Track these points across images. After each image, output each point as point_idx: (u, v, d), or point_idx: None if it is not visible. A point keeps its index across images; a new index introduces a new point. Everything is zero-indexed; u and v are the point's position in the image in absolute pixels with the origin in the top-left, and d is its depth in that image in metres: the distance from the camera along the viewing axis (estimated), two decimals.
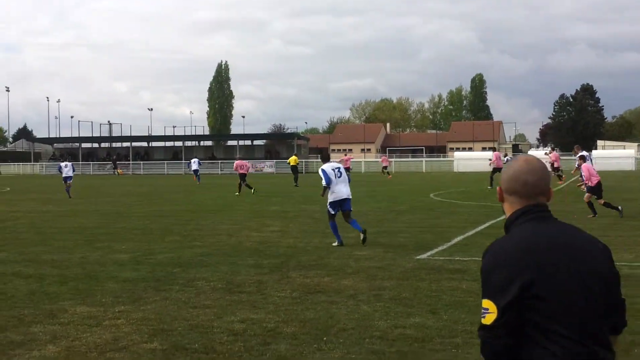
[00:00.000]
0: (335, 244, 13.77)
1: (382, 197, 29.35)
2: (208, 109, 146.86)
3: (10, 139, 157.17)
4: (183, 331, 7.35)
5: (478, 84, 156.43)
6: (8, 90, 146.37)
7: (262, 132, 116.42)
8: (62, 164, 33.48)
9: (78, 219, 20.43)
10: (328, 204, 14.14)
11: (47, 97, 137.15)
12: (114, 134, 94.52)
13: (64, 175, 32.33)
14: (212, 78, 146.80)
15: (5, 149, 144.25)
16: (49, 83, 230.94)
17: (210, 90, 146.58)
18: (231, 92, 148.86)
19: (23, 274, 10.90)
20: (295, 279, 10.23)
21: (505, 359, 2.69)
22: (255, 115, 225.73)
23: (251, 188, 31.33)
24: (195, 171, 46.20)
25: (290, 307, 8.45)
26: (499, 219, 18.29)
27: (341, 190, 14.02)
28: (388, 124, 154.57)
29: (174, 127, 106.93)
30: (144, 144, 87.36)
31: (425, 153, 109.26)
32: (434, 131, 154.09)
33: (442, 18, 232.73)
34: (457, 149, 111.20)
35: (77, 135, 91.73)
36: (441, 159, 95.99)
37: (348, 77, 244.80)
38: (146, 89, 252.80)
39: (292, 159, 43.74)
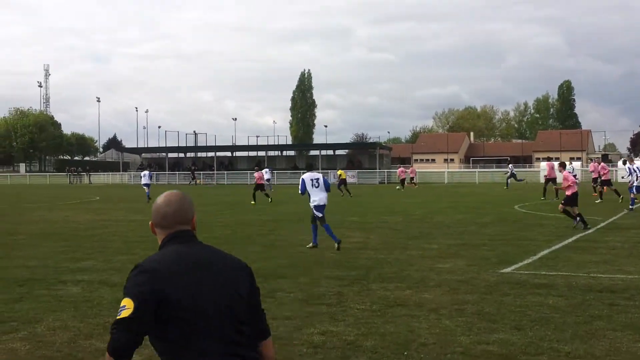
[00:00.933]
0: (310, 245, 15.51)
1: (464, 208, 28.90)
2: (291, 118, 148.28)
3: (101, 149, 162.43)
4: None
5: (566, 91, 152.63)
6: (99, 101, 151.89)
7: (344, 142, 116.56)
8: (142, 173, 39.05)
9: None
10: (312, 207, 15.70)
11: (136, 107, 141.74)
12: (199, 144, 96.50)
13: (142, 182, 37.50)
14: (295, 87, 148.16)
15: (95, 158, 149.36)
16: (137, 93, 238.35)
17: (293, 99, 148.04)
18: (314, 101, 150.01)
19: (109, 282, 11.16)
20: (375, 292, 10.14)
21: (129, 354, 3.02)
22: (338, 124, 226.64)
23: (266, 197, 34.22)
24: (268, 180, 47.30)
25: (370, 320, 8.36)
26: (586, 232, 17.75)
27: (319, 196, 15.68)
28: (472, 133, 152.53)
29: (257, 136, 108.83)
30: (228, 153, 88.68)
31: (510, 163, 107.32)
32: (519, 140, 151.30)
33: (528, 23, 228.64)
34: (544, 159, 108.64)
35: (164, 145, 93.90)
36: (527, 169, 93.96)
37: (431, 84, 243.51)
38: (231, 98, 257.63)
39: (340, 172, 45.76)
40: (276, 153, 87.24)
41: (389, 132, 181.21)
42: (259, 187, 34.25)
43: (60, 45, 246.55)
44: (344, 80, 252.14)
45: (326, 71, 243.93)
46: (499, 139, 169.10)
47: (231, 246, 15.89)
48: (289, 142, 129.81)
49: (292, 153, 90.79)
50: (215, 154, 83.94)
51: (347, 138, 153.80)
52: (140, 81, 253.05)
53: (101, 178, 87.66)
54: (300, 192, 16.14)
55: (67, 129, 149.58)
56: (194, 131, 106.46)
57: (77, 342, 7.48)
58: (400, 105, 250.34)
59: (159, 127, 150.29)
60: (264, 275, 11.62)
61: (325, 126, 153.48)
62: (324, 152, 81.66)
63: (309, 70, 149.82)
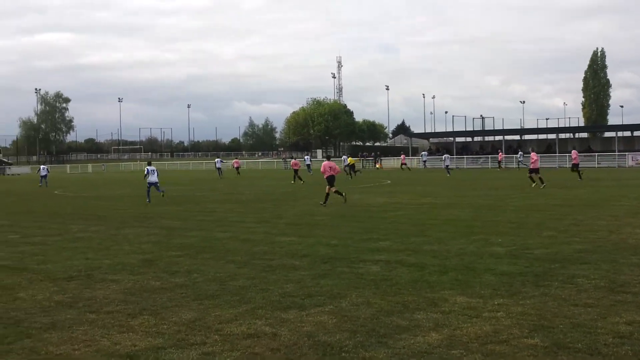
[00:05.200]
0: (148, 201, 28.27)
1: None
2: (583, 99, 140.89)
3: (390, 135, 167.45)
4: (565, 329, 7.12)
5: None
6: (387, 89, 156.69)
7: None
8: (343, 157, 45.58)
9: (453, 211, 20.96)
10: (147, 182, 29.07)
11: (423, 94, 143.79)
12: (486, 128, 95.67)
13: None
14: (586, 67, 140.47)
15: (385, 144, 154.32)
16: (424, 79, 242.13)
17: (585, 79, 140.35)
18: (608, 80, 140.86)
19: (405, 263, 11.49)
20: None
21: None
22: (636, 104, 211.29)
23: (299, 180, 43.39)
24: (308, 165, 55.70)
25: None
26: None
27: (153, 178, 29.00)
28: None
29: (546, 119, 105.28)
30: (516, 137, 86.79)
31: None
32: None
33: None
34: None
35: (451, 130, 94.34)
36: None
37: None
38: (518, 81, 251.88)
39: (350, 160, 54.51)
40: (567, 135, 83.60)
41: None
42: (295, 171, 44.69)
43: (351, 38, 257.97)
44: None
45: (623, 48, 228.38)
46: None
47: (524, 230, 15.56)
48: (581, 124, 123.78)
49: (584, 135, 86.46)
50: (504, 137, 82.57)
51: None
52: (426, 68, 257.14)
53: (391, 162, 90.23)
54: (145, 175, 29.38)
55: (358, 117, 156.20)
56: (481, 115, 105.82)
57: (379, 319, 7.79)
58: None
59: (446, 112, 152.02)
60: (561, 261, 11.26)
61: (621, 106, 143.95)
62: (620, 134, 76.63)
63: (602, 48, 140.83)
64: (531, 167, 33.76)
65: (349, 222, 18.45)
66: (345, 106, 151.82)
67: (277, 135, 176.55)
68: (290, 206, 24.74)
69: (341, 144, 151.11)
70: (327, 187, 24.82)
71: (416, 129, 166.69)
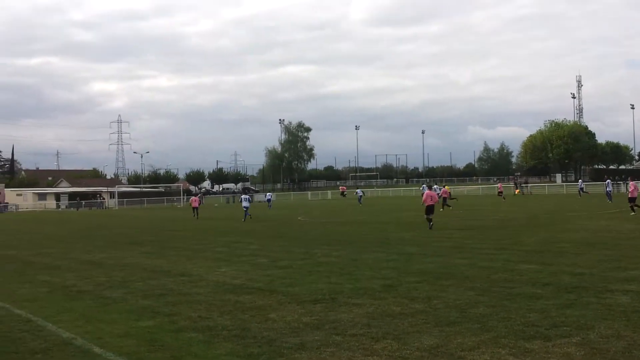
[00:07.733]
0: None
1: None
2: None
3: (637, 157, 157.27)
4: None
5: None
6: (633, 108, 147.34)
7: None
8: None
9: None
10: (243, 207, 41.19)
11: None
12: None
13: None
14: None
15: (631, 167, 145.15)
16: None
17: None
18: None
19: None
20: None
21: None
22: None
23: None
24: (268, 200, 64.38)
25: None
26: None
27: (245, 204, 40.52)
28: None
29: None
30: None
31: None
32: None
33: None
34: None
35: None
36: None
37: None
38: None
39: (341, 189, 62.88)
40: None
41: None
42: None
43: (592, 55, 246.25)
44: None
45: None
46: None
47: None
48: None
49: None
50: None
51: None
52: None
53: None
54: (247, 201, 40.85)
55: (600, 138, 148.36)
56: None
57: (631, 352, 7.36)
58: None
59: None
60: None
61: None
62: None
63: None
64: (629, 196, 35.13)
65: (595, 250, 17.58)
66: (586, 127, 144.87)
67: (513, 159, 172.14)
68: (531, 233, 24.04)
69: (582, 167, 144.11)
70: (425, 214, 27.89)
71: None
